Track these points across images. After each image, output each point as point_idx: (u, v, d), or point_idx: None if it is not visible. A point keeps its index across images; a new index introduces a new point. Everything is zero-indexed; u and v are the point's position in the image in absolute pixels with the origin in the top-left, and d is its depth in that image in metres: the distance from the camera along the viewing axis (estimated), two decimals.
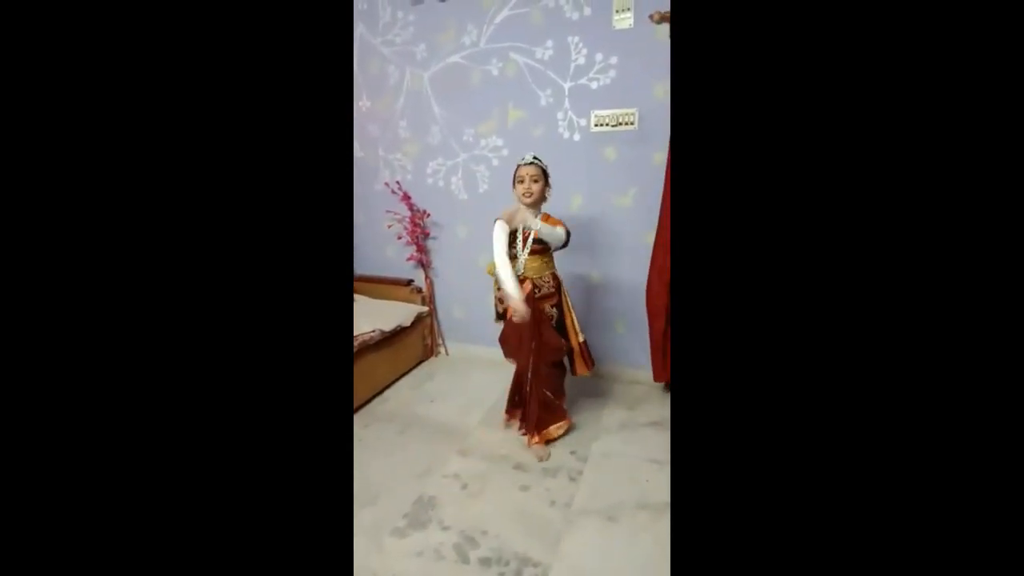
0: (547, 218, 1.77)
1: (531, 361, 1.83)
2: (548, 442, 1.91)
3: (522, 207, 1.74)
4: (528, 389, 1.86)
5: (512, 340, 1.87)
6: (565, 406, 1.98)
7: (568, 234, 1.77)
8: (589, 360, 1.93)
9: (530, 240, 1.74)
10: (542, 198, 1.76)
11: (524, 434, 1.93)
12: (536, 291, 1.78)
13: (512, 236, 1.75)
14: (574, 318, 1.90)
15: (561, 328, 1.86)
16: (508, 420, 2.04)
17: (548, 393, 1.89)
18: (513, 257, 1.75)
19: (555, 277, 1.83)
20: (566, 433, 1.96)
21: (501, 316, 1.87)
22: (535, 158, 1.74)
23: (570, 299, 1.90)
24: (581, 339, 1.91)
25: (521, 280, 1.76)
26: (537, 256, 1.77)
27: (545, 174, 1.75)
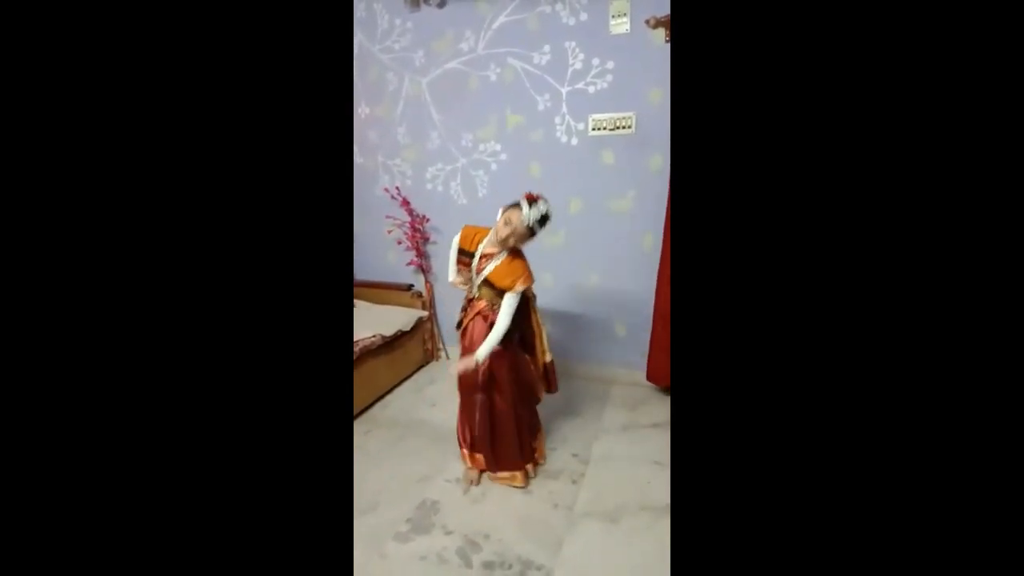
0: (511, 263, 1.51)
1: (509, 399, 1.68)
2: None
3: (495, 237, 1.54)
4: (498, 426, 1.70)
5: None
6: (534, 444, 1.83)
7: (516, 302, 1.52)
8: (552, 382, 1.79)
9: (484, 273, 1.55)
10: (510, 246, 1.52)
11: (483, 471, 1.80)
12: (490, 306, 1.60)
13: (466, 257, 1.60)
14: (543, 336, 1.74)
15: (528, 346, 1.74)
16: (472, 467, 1.79)
17: (526, 435, 1.77)
18: (467, 279, 1.64)
19: None
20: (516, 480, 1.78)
21: (458, 324, 1.71)
22: (540, 218, 1.45)
23: (539, 316, 1.74)
24: (548, 358, 1.76)
25: (478, 299, 1.63)
26: (490, 289, 1.57)
27: (533, 233, 1.48)
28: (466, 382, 1.68)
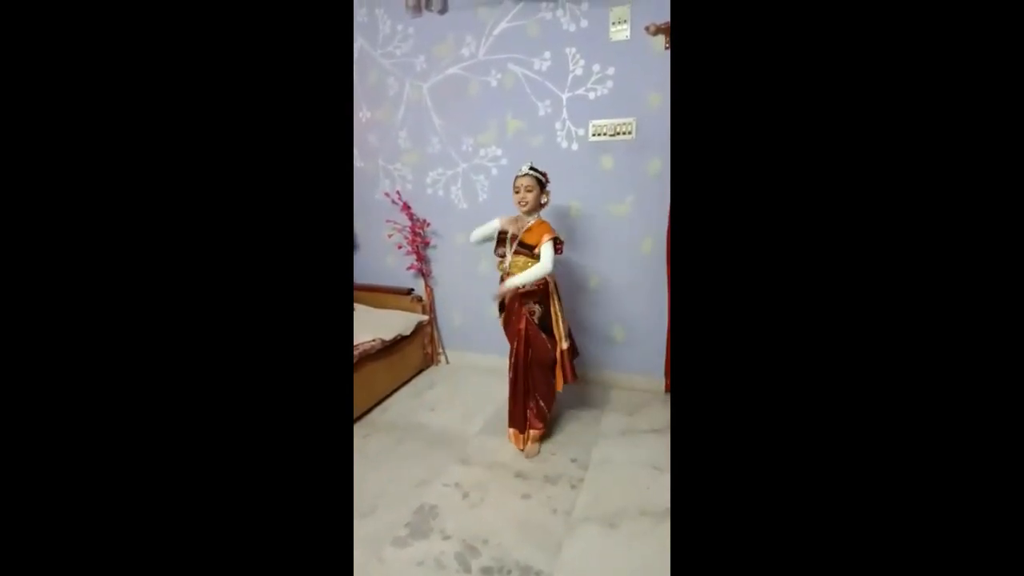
0: (540, 224, 1.80)
1: (523, 363, 1.88)
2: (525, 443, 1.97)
3: (520, 215, 1.83)
4: (521, 390, 1.92)
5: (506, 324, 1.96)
6: (549, 417, 2.01)
7: (555, 244, 1.78)
8: (571, 372, 1.91)
9: (516, 244, 1.81)
10: (538, 205, 1.81)
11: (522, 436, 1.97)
12: (520, 287, 1.81)
13: (503, 235, 1.85)
14: (561, 323, 1.88)
15: (547, 329, 1.88)
16: (515, 436, 1.99)
17: (540, 401, 1.93)
18: (502, 255, 1.85)
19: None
20: (538, 441, 1.98)
21: (501, 308, 1.95)
22: (531, 168, 1.78)
23: (560, 304, 1.89)
24: (564, 346, 1.89)
25: (509, 273, 1.83)
26: (522, 256, 1.80)
27: (540, 183, 1.79)
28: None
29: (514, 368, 1.91)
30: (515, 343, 1.89)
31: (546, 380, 1.93)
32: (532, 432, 1.95)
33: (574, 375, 1.94)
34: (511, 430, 1.98)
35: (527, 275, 1.76)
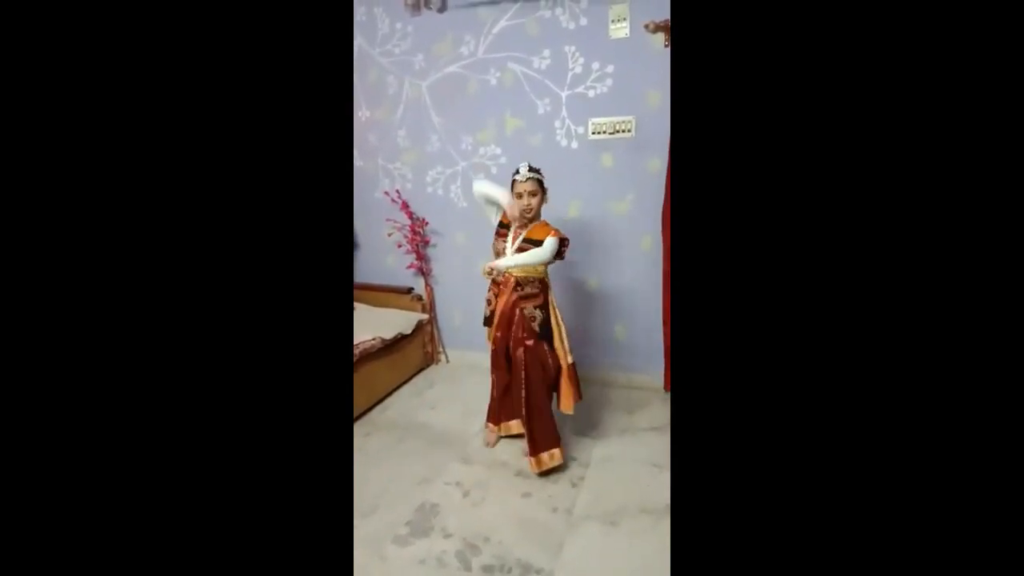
0: (544, 226, 1.70)
1: (523, 373, 1.76)
2: (542, 472, 1.79)
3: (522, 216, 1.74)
4: (524, 401, 1.77)
5: (496, 346, 1.84)
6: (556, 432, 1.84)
7: (561, 244, 1.69)
8: (577, 390, 1.81)
9: (519, 240, 1.71)
10: (536, 208, 1.72)
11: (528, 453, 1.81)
12: (519, 288, 1.73)
13: (504, 229, 1.76)
14: (563, 334, 1.79)
15: (548, 338, 1.76)
16: (492, 429, 1.97)
17: (545, 412, 1.80)
18: (502, 251, 1.76)
19: (542, 282, 1.76)
20: (557, 468, 1.80)
21: (488, 320, 1.85)
22: (531, 170, 1.67)
23: (560, 313, 1.82)
24: (570, 360, 1.79)
25: (506, 279, 1.75)
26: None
27: (542, 185, 1.70)
28: (495, 362, 1.87)
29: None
30: (516, 355, 1.76)
31: (544, 393, 1.80)
32: (553, 451, 1.80)
33: (579, 393, 1.83)
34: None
35: (523, 257, 1.66)
